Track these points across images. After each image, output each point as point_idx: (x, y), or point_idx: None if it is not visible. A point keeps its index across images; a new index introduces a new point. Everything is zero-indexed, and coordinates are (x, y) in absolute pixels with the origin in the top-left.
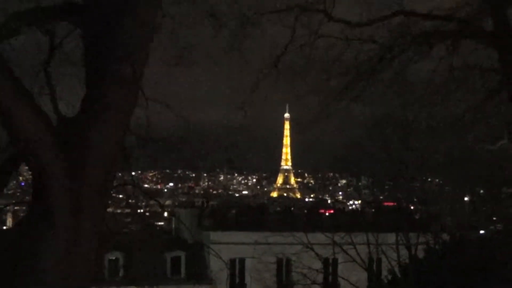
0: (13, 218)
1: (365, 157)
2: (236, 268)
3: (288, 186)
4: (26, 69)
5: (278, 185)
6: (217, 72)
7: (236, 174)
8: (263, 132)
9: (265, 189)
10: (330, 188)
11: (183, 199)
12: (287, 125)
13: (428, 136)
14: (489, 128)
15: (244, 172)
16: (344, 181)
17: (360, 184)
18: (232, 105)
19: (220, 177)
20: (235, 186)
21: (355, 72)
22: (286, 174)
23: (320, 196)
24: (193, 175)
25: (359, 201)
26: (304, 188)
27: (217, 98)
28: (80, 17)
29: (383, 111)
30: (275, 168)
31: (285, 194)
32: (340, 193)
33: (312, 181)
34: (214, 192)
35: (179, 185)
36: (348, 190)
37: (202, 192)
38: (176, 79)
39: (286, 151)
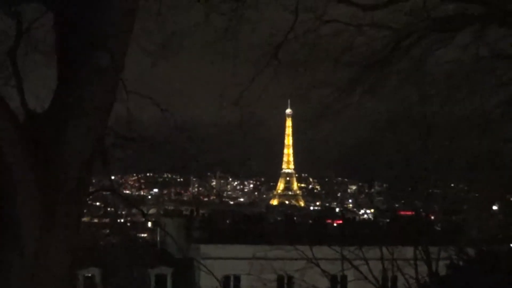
0: None
1: (378, 159)
2: (231, 287)
3: (290, 193)
4: None
5: (279, 191)
6: (209, 63)
7: (230, 179)
8: (261, 131)
9: (264, 196)
10: (339, 195)
11: (170, 207)
12: (289, 123)
13: (450, 135)
14: None
15: (240, 177)
16: (354, 187)
17: (372, 190)
18: (226, 101)
19: (212, 182)
20: (229, 193)
21: (367, 63)
22: (287, 178)
23: (327, 204)
24: (181, 179)
25: (372, 210)
26: (308, 195)
27: (209, 93)
28: None
29: (399, 107)
30: (276, 172)
31: (286, 202)
32: (350, 200)
33: (317, 187)
34: (206, 199)
35: (165, 191)
36: (359, 197)
37: (191, 199)
38: (162, 71)
39: (288, 153)
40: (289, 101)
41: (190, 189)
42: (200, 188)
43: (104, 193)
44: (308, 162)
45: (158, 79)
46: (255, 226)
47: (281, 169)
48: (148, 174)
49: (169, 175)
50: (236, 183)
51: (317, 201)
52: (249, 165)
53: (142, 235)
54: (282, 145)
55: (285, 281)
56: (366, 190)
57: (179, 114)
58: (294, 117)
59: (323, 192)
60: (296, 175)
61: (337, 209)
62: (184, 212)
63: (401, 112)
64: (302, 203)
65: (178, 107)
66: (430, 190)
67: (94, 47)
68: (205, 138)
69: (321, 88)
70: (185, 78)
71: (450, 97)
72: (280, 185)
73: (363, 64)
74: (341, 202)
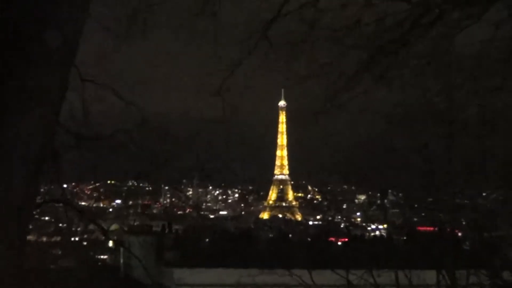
0: None
1: (392, 163)
2: None
3: (284, 204)
4: None
5: (270, 202)
6: (183, 46)
7: (211, 187)
8: (249, 128)
9: (252, 208)
10: (344, 207)
11: (136, 223)
12: (282, 118)
13: (481, 133)
14: None
15: (223, 185)
16: (363, 197)
17: (386, 201)
18: (205, 92)
19: (188, 191)
20: (209, 204)
21: (378, 44)
22: (281, 186)
23: (330, 218)
24: (150, 188)
25: (385, 225)
26: (306, 206)
27: (184, 82)
28: None
29: (417, 98)
30: (266, 179)
31: (280, 215)
32: (358, 213)
33: (318, 196)
34: (180, 212)
35: (130, 202)
36: (369, 209)
37: (162, 212)
38: (127, 56)
39: (282, 155)
40: (282, 91)
41: (161, 200)
42: (173, 199)
43: (54, 205)
44: (307, 167)
45: (121, 66)
46: (241, 245)
47: (273, 175)
48: (109, 182)
49: (135, 183)
50: (217, 192)
51: (318, 215)
52: (234, 170)
53: (102, 257)
54: (274, 145)
55: None
56: (378, 201)
57: (148, 108)
58: (289, 111)
59: (325, 203)
60: (292, 182)
61: (342, 224)
62: (154, 229)
63: (420, 105)
64: (299, 217)
65: (146, 100)
66: (457, 201)
67: (43, 26)
68: (179, 137)
69: (322, 76)
70: (155, 65)
71: (479, 87)
72: (272, 195)
73: (373, 45)
74: (347, 216)
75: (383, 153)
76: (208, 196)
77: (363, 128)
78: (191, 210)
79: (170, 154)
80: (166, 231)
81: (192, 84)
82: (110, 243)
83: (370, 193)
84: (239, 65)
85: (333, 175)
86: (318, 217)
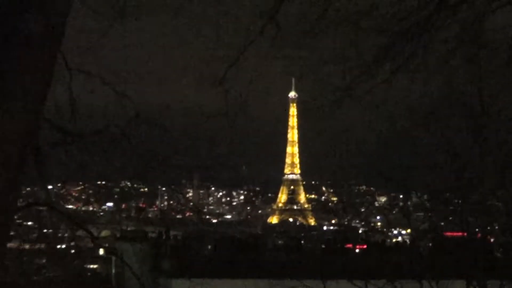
0: None
1: (417, 161)
2: None
3: (295, 207)
4: None
5: (280, 204)
6: (182, 30)
7: (213, 188)
8: (256, 122)
9: (260, 211)
10: (362, 210)
11: (129, 228)
12: (293, 111)
13: None
14: None
15: (227, 185)
16: (384, 199)
17: (409, 203)
18: (207, 82)
19: (188, 193)
20: (212, 207)
21: (400, 28)
22: (292, 187)
23: (346, 223)
24: (146, 190)
25: (408, 231)
26: (320, 209)
27: (183, 72)
28: None
29: (445, 89)
30: (276, 179)
31: (290, 220)
32: (378, 217)
33: (333, 198)
34: (179, 216)
35: (123, 205)
36: (391, 213)
37: (159, 216)
38: (119, 42)
39: (292, 152)
40: (293, 81)
41: (158, 202)
42: (171, 202)
43: (38, 208)
44: (320, 165)
45: (113, 55)
46: (248, 253)
47: (283, 174)
48: (99, 183)
49: (129, 184)
50: (221, 193)
51: (333, 219)
52: (239, 169)
53: (92, 266)
54: (284, 141)
55: None
56: (400, 203)
57: (143, 101)
58: (300, 103)
59: (341, 206)
60: (304, 182)
61: (361, 230)
62: (150, 235)
63: (448, 96)
64: (312, 221)
65: (141, 92)
66: (488, 203)
67: (25, 10)
68: (178, 133)
69: (337, 64)
70: (150, 53)
71: None
72: (282, 197)
73: (395, 29)
74: (366, 220)
75: (406, 150)
76: (210, 198)
77: (383, 122)
78: (191, 214)
79: (167, 151)
80: (163, 237)
81: (192, 75)
82: (101, 251)
83: (392, 194)
84: (243, 52)
85: (350, 175)
86: (333, 221)
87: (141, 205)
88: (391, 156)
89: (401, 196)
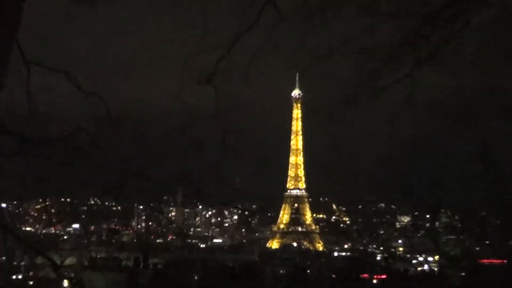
0: None
1: (446, 170)
2: None
3: (300, 229)
4: None
5: (282, 226)
6: (163, 18)
7: (200, 207)
8: (252, 127)
9: (257, 234)
10: (381, 233)
11: (100, 255)
12: (297, 113)
13: None
14: None
15: (217, 203)
16: (406, 219)
17: (437, 224)
18: (193, 79)
19: (171, 211)
20: (199, 230)
21: (425, 12)
22: (296, 205)
23: (362, 248)
24: (119, 208)
25: (436, 257)
26: (330, 232)
27: (164, 66)
28: None
29: (478, 85)
30: (276, 195)
31: (294, 244)
32: (400, 241)
33: (345, 218)
34: (159, 240)
35: (92, 227)
36: (415, 235)
37: (135, 240)
38: (88, 35)
39: (296, 162)
40: (297, 76)
41: (134, 224)
42: (150, 223)
43: None
44: (330, 178)
45: (80, 48)
46: (242, 284)
47: (286, 189)
48: (63, 200)
49: (98, 202)
50: (210, 213)
51: (345, 243)
52: (232, 183)
53: None
54: (286, 150)
55: None
56: (427, 224)
57: (115, 100)
58: (305, 103)
59: (355, 227)
60: (310, 199)
61: (379, 256)
62: (124, 263)
63: (484, 94)
64: (320, 246)
65: (113, 90)
66: None
67: None
68: (158, 139)
69: (349, 55)
70: (125, 44)
71: None
72: (284, 216)
73: (418, 14)
74: (386, 244)
75: (433, 159)
76: (198, 218)
77: (406, 126)
78: (174, 237)
79: (145, 161)
80: (141, 265)
81: (175, 70)
82: (65, 283)
83: (416, 213)
84: (236, 41)
85: (365, 190)
86: (345, 246)
87: (113, 227)
88: (415, 167)
89: (427, 216)
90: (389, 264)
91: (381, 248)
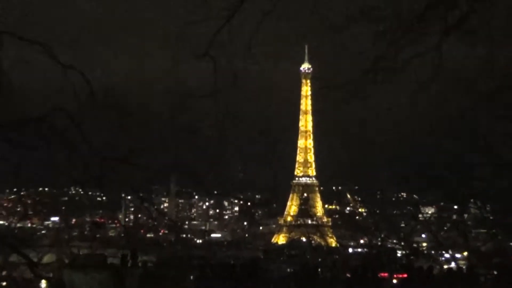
0: None
1: (476, 157)
2: None
3: (309, 221)
4: None
5: (289, 219)
6: None
7: (197, 197)
8: (255, 107)
9: (261, 227)
10: (402, 225)
11: (82, 251)
12: (306, 89)
13: None
14: None
15: (216, 192)
16: (431, 211)
17: (465, 216)
18: (188, 52)
19: (163, 203)
20: (195, 223)
21: None
22: (305, 194)
23: (380, 243)
24: (103, 199)
25: (465, 253)
26: (344, 225)
27: (155, 40)
28: None
29: None
30: (283, 183)
31: (303, 239)
32: (423, 236)
33: (361, 210)
34: (150, 235)
35: (73, 220)
36: (441, 230)
37: (123, 235)
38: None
39: (306, 146)
40: (306, 49)
41: (121, 216)
42: (140, 215)
43: None
44: (343, 164)
45: (58, 16)
46: (245, 284)
47: (294, 177)
48: (40, 190)
49: (81, 191)
50: (207, 204)
51: (361, 237)
52: (233, 170)
53: None
54: (295, 132)
55: None
56: (454, 216)
57: (99, 77)
58: (315, 79)
59: (373, 220)
60: (321, 188)
61: (399, 252)
62: (110, 260)
63: None
64: (332, 241)
65: (97, 64)
66: None
67: None
68: (148, 121)
69: (367, 25)
70: (109, 9)
71: None
72: (292, 208)
73: None
74: (407, 239)
75: (462, 141)
76: (194, 210)
77: (432, 104)
78: (166, 231)
79: (134, 145)
80: (129, 263)
81: (167, 42)
82: (43, 284)
83: (441, 204)
84: (237, 10)
85: (384, 177)
86: (362, 241)
87: (98, 220)
88: (441, 151)
89: (455, 207)
90: (411, 261)
91: (402, 243)
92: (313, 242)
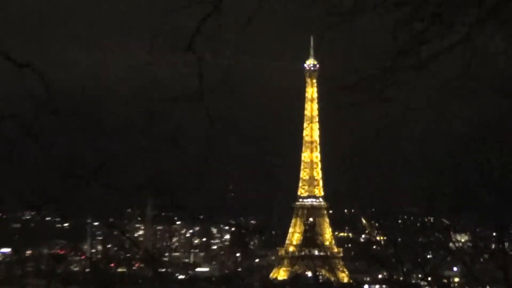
0: None
1: None
2: None
3: (316, 252)
4: None
5: (291, 248)
6: None
7: (179, 222)
8: (250, 112)
9: (257, 260)
10: (429, 257)
11: None
12: (312, 91)
13: None
14: None
15: (201, 217)
16: (464, 239)
17: (506, 244)
18: (169, 46)
19: (137, 230)
20: (176, 254)
21: None
22: (310, 219)
23: (402, 278)
24: (66, 224)
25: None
26: (358, 255)
27: (128, 26)
28: None
29: None
30: (284, 206)
31: (308, 273)
32: (455, 269)
33: (379, 238)
34: (121, 270)
35: (28, 251)
36: (476, 261)
37: (88, 270)
38: None
39: (311, 160)
40: (311, 41)
41: (86, 247)
42: (109, 246)
43: None
44: (357, 182)
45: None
46: None
47: (297, 198)
48: None
49: (38, 216)
50: (191, 231)
51: (380, 272)
52: (223, 190)
53: None
54: (297, 143)
55: None
56: (492, 246)
57: (59, 76)
58: (322, 77)
59: (393, 249)
60: (330, 211)
61: None
62: None
63: None
64: (344, 276)
65: (57, 61)
66: None
67: None
68: (120, 128)
69: (386, 13)
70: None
71: None
72: (295, 235)
73: None
74: (435, 273)
75: (501, 153)
76: (175, 239)
77: (462, 108)
78: (142, 265)
79: (101, 159)
80: None
81: (143, 33)
82: None
83: (477, 230)
84: None
85: (405, 198)
86: (380, 275)
87: (58, 251)
88: (475, 165)
89: (493, 234)
90: None
91: (429, 278)
92: (320, 277)
